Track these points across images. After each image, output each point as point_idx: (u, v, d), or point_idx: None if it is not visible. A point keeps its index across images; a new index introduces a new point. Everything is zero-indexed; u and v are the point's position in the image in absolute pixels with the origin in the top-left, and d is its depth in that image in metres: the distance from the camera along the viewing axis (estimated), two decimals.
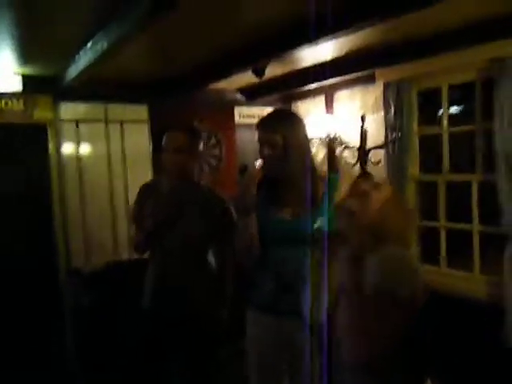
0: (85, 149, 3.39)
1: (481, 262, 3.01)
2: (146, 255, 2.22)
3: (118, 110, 3.50)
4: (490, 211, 2.90)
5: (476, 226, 3.01)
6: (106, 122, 3.46)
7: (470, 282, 3.00)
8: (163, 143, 2.09)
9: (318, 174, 1.90)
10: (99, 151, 3.45)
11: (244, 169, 1.82)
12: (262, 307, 1.89)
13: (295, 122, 1.90)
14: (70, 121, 3.30)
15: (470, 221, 3.03)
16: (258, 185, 2.03)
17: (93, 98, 3.36)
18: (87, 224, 3.36)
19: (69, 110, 3.31)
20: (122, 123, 3.53)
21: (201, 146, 2.17)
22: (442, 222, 3.22)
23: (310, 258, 1.80)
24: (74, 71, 2.71)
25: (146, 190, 2.22)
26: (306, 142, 1.91)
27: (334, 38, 2.17)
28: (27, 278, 3.17)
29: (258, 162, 1.87)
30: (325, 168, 3.78)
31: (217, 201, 2.14)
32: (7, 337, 3.04)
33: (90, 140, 3.41)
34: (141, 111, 3.59)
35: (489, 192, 2.85)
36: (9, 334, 3.05)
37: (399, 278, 1.23)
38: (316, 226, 1.80)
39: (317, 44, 2.23)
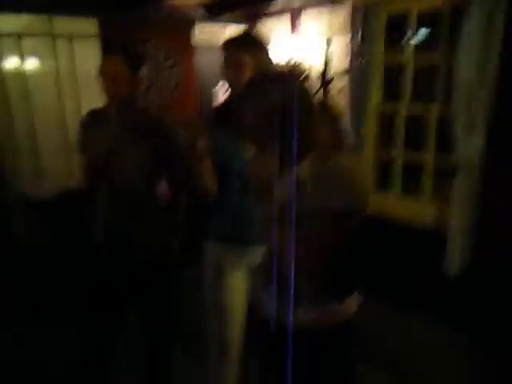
0: (30, 66, 3.13)
1: (432, 192, 3.14)
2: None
3: (65, 23, 3.19)
4: (445, 143, 2.96)
5: (430, 156, 3.09)
6: (53, 36, 3.18)
7: (420, 210, 3.13)
8: (98, 67, 1.94)
9: None
10: (47, 69, 3.20)
11: None
12: (220, 238, 1.93)
13: (264, 44, 1.84)
14: (11, 34, 3.01)
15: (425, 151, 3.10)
16: (217, 113, 1.96)
17: (37, 9, 3.04)
18: (37, 148, 3.21)
19: (10, 21, 2.99)
20: (71, 39, 3.25)
21: (142, 72, 2.02)
22: (400, 151, 3.28)
23: None
24: None
25: (91, 116, 2.10)
26: (272, 66, 1.86)
27: None
28: None
29: (220, 85, 1.79)
30: None
31: (164, 129, 2.05)
32: None
33: (35, 56, 3.14)
34: (90, 25, 3.30)
35: (445, 124, 2.89)
36: None
37: (337, 193, 1.20)
38: None
39: None
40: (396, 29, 3.28)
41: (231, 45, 1.79)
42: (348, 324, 1.38)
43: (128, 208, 2.00)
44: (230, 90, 1.85)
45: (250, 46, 1.78)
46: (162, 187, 2.11)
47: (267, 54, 1.84)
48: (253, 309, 1.53)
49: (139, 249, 2.03)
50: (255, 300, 1.48)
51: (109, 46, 2.00)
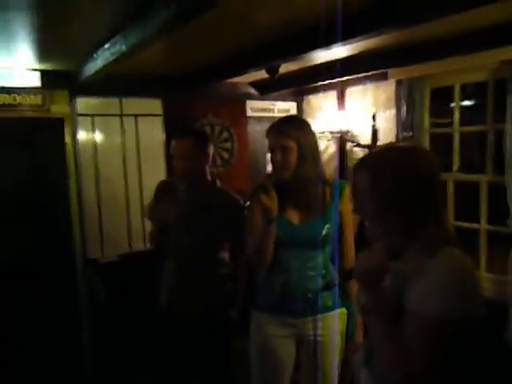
0: (100, 141, 3.47)
1: (487, 261, 3.07)
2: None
3: (132, 103, 3.55)
4: (498, 211, 2.95)
5: (484, 225, 3.06)
6: (121, 115, 3.53)
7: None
8: (171, 149, 2.16)
9: (326, 180, 1.94)
10: (114, 144, 3.52)
11: (257, 188, 1.82)
12: (267, 309, 1.94)
13: (307, 127, 1.94)
14: (85, 115, 3.37)
15: (477, 220, 3.08)
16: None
17: (108, 93, 3.42)
18: (102, 215, 3.45)
19: (85, 104, 3.37)
20: (136, 116, 3.59)
21: (210, 149, 2.21)
22: (451, 221, 3.27)
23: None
24: (90, 69, 2.77)
25: (163, 187, 2.30)
26: (316, 148, 1.94)
27: (347, 44, 2.20)
28: (45, 268, 3.27)
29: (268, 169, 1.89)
30: (335, 164, 3.83)
31: (231, 202, 2.20)
32: (23, 329, 3.14)
33: (105, 133, 3.47)
34: (155, 105, 3.65)
35: (497, 192, 2.89)
36: (25, 326, 3.15)
37: (472, 297, 1.06)
38: (323, 232, 1.87)
39: (329, 49, 2.26)
40: (442, 99, 3.42)
41: (274, 130, 1.89)
42: None
43: (193, 276, 2.12)
44: (276, 170, 1.89)
45: (293, 131, 1.85)
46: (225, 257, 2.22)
47: (312, 137, 1.92)
48: None
49: (202, 317, 2.11)
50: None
51: (178, 131, 2.23)
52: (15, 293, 3.15)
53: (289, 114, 4.27)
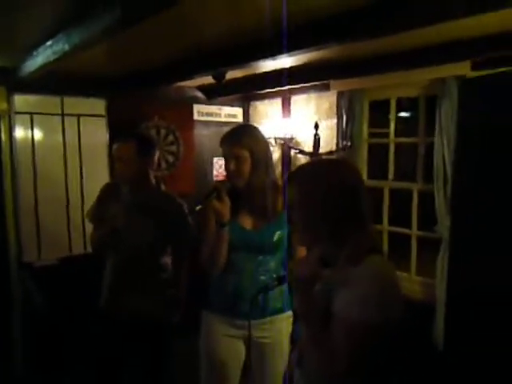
0: (40, 141, 3.34)
1: (417, 264, 3.29)
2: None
3: (75, 103, 3.46)
4: (427, 218, 3.16)
5: (414, 231, 3.27)
6: (63, 115, 3.42)
7: (407, 283, 3.26)
8: (113, 152, 2.15)
9: (279, 186, 2.00)
10: (54, 144, 3.40)
11: (210, 193, 1.83)
12: (218, 310, 1.99)
13: (259, 135, 1.99)
14: (24, 113, 3.24)
15: (409, 226, 3.29)
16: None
17: (49, 91, 3.31)
18: (40, 217, 3.33)
19: (23, 101, 3.24)
20: (78, 116, 3.50)
21: (153, 153, 2.21)
22: (385, 226, 3.46)
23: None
24: (31, 66, 2.67)
25: (107, 190, 2.27)
26: (269, 155, 2.00)
27: (292, 55, 2.30)
28: None
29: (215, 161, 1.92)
30: (279, 170, 3.92)
31: (174, 206, 2.21)
32: None
33: (45, 132, 3.35)
34: (99, 105, 3.57)
35: (427, 200, 3.11)
36: None
37: (392, 302, 1.14)
38: (275, 238, 1.93)
39: (274, 59, 2.34)
40: (379, 111, 3.61)
41: (228, 140, 1.93)
42: None
43: (133, 277, 2.11)
44: (230, 179, 1.93)
45: (246, 141, 1.88)
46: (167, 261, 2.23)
47: (264, 146, 1.96)
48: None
49: (141, 320, 2.11)
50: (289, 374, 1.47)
51: (121, 134, 2.21)
52: None
53: (235, 119, 4.34)
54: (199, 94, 4.09)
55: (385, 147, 3.47)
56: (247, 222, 1.95)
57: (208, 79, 3.24)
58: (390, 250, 3.44)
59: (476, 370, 2.49)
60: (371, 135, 3.58)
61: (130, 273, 2.12)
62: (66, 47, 2.15)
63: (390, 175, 3.41)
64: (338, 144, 3.53)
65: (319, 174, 1.25)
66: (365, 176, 3.58)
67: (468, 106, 2.59)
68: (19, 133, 3.24)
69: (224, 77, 2.93)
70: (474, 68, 2.65)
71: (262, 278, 1.93)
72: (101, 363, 2.19)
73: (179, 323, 2.24)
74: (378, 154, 3.67)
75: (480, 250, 2.53)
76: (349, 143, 3.38)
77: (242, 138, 1.91)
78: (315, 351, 1.21)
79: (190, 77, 2.98)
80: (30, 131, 3.28)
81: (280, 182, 2.03)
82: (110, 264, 2.19)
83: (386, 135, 3.47)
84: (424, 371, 2.83)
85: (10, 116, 3.17)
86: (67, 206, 3.44)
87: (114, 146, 2.15)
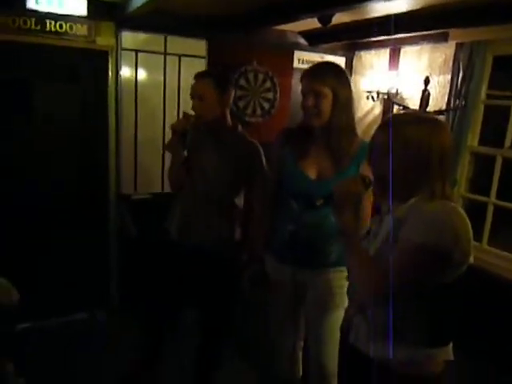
0: (142, 80, 3.43)
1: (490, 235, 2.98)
2: None
3: (177, 42, 3.47)
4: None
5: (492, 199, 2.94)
6: (165, 54, 3.46)
7: (510, 263, 2.95)
8: (190, 89, 2.13)
9: (356, 137, 1.84)
10: (156, 83, 3.48)
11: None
12: (275, 255, 1.98)
13: (344, 76, 1.81)
14: (130, 50, 3.32)
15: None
16: (288, 134, 1.99)
17: (154, 29, 3.34)
18: (138, 154, 3.48)
19: (130, 38, 3.31)
20: (180, 56, 3.52)
21: (229, 93, 2.16)
22: (492, 199, 3.12)
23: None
24: (138, 1, 2.69)
25: (186, 123, 2.26)
26: (352, 102, 1.82)
27: None
28: (78, 201, 3.37)
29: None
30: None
31: (249, 147, 2.17)
32: (51, 256, 3.28)
33: (148, 71, 3.43)
34: (200, 46, 3.55)
35: None
36: (55, 254, 3.30)
37: (457, 238, 1.14)
38: None
39: (388, 0, 2.08)
40: (503, 69, 3.16)
41: (310, 75, 1.79)
42: (432, 378, 1.28)
43: (205, 211, 2.16)
44: (305, 116, 1.82)
45: (330, 77, 1.74)
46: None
47: (348, 87, 1.80)
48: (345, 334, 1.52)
49: (210, 256, 2.17)
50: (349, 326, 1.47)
51: (225, 62, 2.20)
52: (47, 223, 3.27)
53: None
54: (301, 40, 3.88)
55: (503, 111, 3.05)
56: (312, 171, 1.83)
57: (312, 23, 3.04)
58: (495, 228, 3.13)
59: None
60: (488, 97, 3.16)
61: (203, 206, 2.16)
62: None
63: (508, 142, 3.01)
64: (449, 103, 3.18)
65: (409, 131, 1.23)
66: (475, 141, 3.22)
67: None
68: (124, 70, 3.34)
69: (330, 20, 2.71)
70: None
71: (320, 229, 1.83)
72: (166, 291, 2.29)
73: (249, 263, 2.23)
74: (494, 119, 3.25)
75: None
76: (463, 103, 3.03)
77: (326, 74, 1.76)
78: (355, 266, 1.31)
79: (294, 18, 2.81)
80: (133, 69, 3.37)
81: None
82: (180, 200, 2.25)
83: (508, 98, 3.04)
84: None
85: (117, 52, 3.27)
86: (163, 145, 3.54)
87: (192, 83, 2.14)
